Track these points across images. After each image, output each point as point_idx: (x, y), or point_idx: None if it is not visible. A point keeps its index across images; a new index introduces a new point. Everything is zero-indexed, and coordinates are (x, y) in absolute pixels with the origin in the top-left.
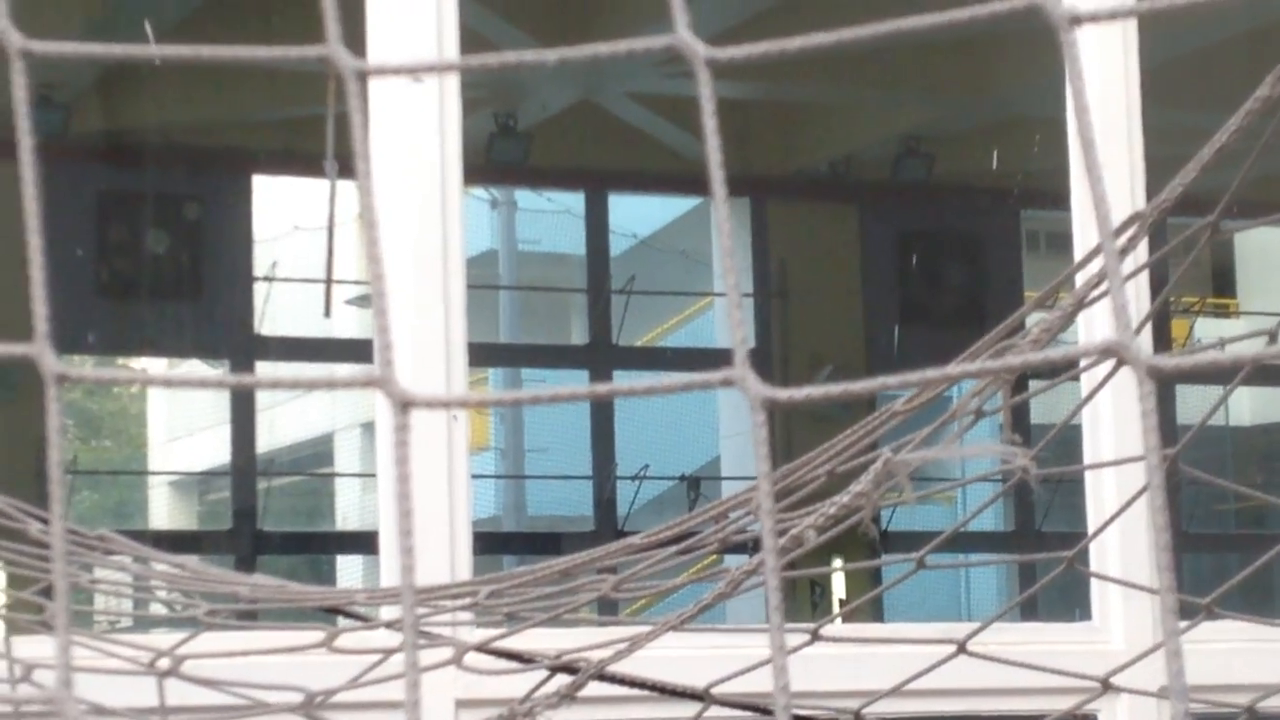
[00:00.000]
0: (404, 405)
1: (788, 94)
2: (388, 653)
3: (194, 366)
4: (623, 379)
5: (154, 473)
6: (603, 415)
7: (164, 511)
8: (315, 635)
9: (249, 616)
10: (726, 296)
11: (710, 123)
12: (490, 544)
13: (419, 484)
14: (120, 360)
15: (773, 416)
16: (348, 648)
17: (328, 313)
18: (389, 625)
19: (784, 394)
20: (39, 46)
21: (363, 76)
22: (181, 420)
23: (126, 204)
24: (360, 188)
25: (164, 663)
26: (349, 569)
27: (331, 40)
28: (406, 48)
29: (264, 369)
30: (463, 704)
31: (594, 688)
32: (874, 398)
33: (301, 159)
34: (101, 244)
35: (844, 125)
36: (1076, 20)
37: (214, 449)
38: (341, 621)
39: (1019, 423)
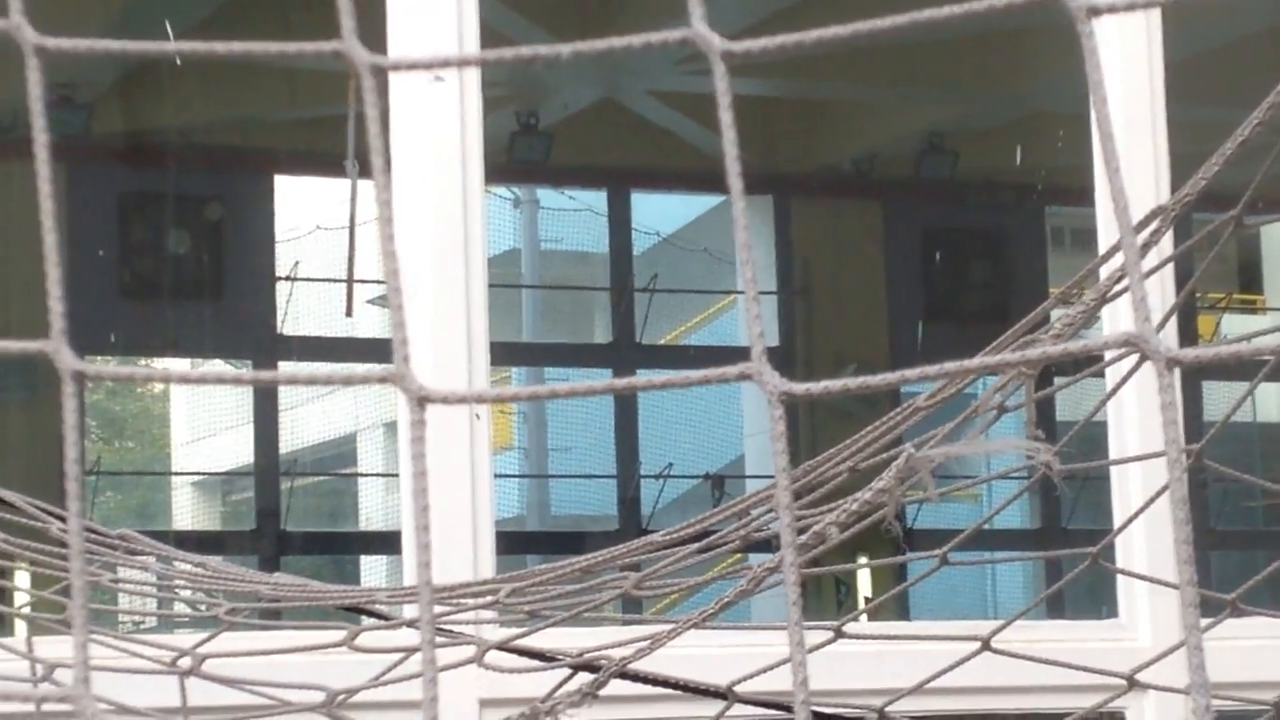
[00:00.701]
0: (420, 401)
1: (810, 91)
2: (409, 651)
3: (216, 366)
4: (645, 377)
5: (177, 473)
6: (626, 414)
7: (187, 512)
8: (337, 634)
9: (271, 616)
10: (744, 292)
11: (726, 116)
12: (514, 544)
13: (442, 483)
14: (143, 361)
15: (794, 413)
16: (370, 647)
17: (349, 312)
18: (410, 624)
19: (800, 388)
20: (52, 43)
21: (379, 71)
22: (204, 421)
23: (148, 204)
24: (376, 183)
25: (185, 662)
26: (373, 569)
27: (347, 35)
28: (427, 46)
29: (286, 369)
30: (486, 703)
31: (617, 686)
32: (897, 394)
33: (323, 159)
34: (123, 245)
35: (867, 122)
36: (1094, 11)
37: (237, 449)
38: (363, 620)
39: (1043, 421)
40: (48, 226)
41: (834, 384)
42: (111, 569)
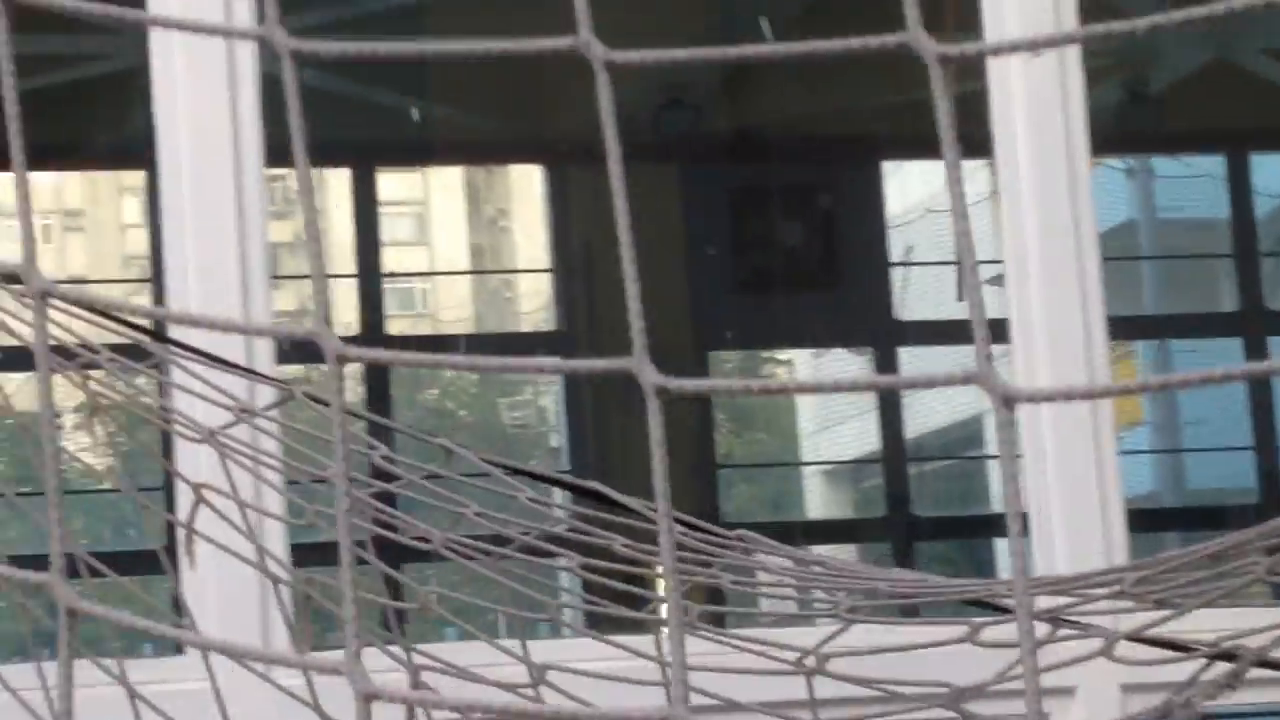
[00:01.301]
0: (1007, 401)
1: None
2: (1036, 644)
3: (836, 356)
4: (1278, 345)
5: (805, 463)
6: (1261, 382)
7: (818, 501)
8: (956, 629)
9: (886, 612)
10: None
11: None
12: (1148, 521)
13: (1067, 464)
14: (762, 354)
15: None
16: (991, 641)
17: (961, 296)
18: (1033, 616)
19: None
20: (620, 56)
21: (946, 61)
22: (830, 409)
23: (758, 198)
24: (948, 167)
25: (810, 661)
26: (1006, 552)
27: (911, 26)
28: (1024, 21)
29: (905, 354)
30: (1129, 689)
31: (1257, 671)
32: None
33: (929, 142)
34: (736, 240)
35: None
36: None
37: (863, 437)
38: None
39: None
40: (625, 241)
41: None
42: (734, 571)
